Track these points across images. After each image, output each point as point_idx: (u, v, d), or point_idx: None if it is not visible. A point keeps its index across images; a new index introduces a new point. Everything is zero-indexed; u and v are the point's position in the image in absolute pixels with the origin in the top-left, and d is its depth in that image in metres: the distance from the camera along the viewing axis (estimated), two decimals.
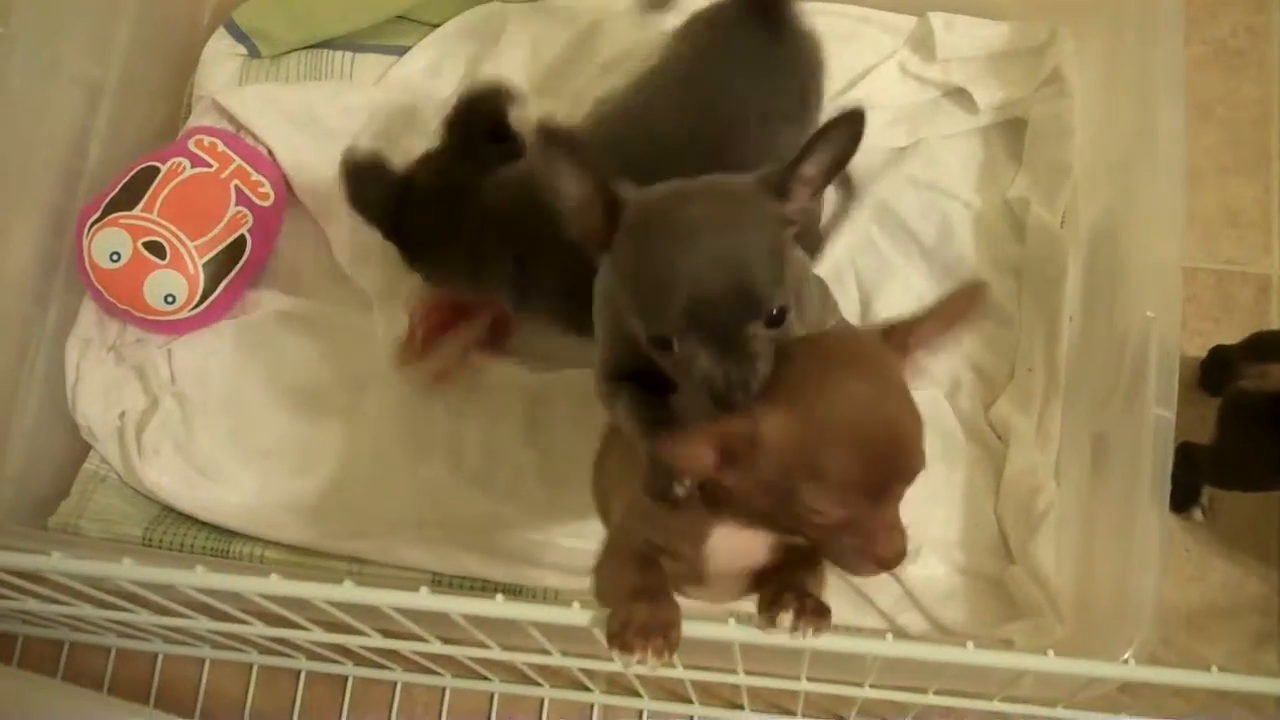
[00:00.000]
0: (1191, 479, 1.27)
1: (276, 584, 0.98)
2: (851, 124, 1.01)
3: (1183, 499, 1.33)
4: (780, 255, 1.01)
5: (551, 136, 1.00)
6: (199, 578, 0.99)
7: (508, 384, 1.69)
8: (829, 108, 1.73)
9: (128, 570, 1.00)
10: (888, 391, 0.96)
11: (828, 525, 0.95)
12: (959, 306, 1.03)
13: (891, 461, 0.94)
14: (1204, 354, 1.63)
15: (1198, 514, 1.61)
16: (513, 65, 1.80)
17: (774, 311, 0.98)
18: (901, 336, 1.00)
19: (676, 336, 0.98)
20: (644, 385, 1.12)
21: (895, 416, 0.95)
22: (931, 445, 1.58)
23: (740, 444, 0.94)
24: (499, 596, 0.97)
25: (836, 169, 1.03)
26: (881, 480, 0.94)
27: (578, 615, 0.96)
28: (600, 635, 0.96)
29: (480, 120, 1.50)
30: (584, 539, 1.60)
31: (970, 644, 0.96)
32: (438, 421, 1.69)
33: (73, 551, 1.03)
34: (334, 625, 1.15)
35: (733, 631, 0.96)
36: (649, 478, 1.05)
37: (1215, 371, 1.58)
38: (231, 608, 1.16)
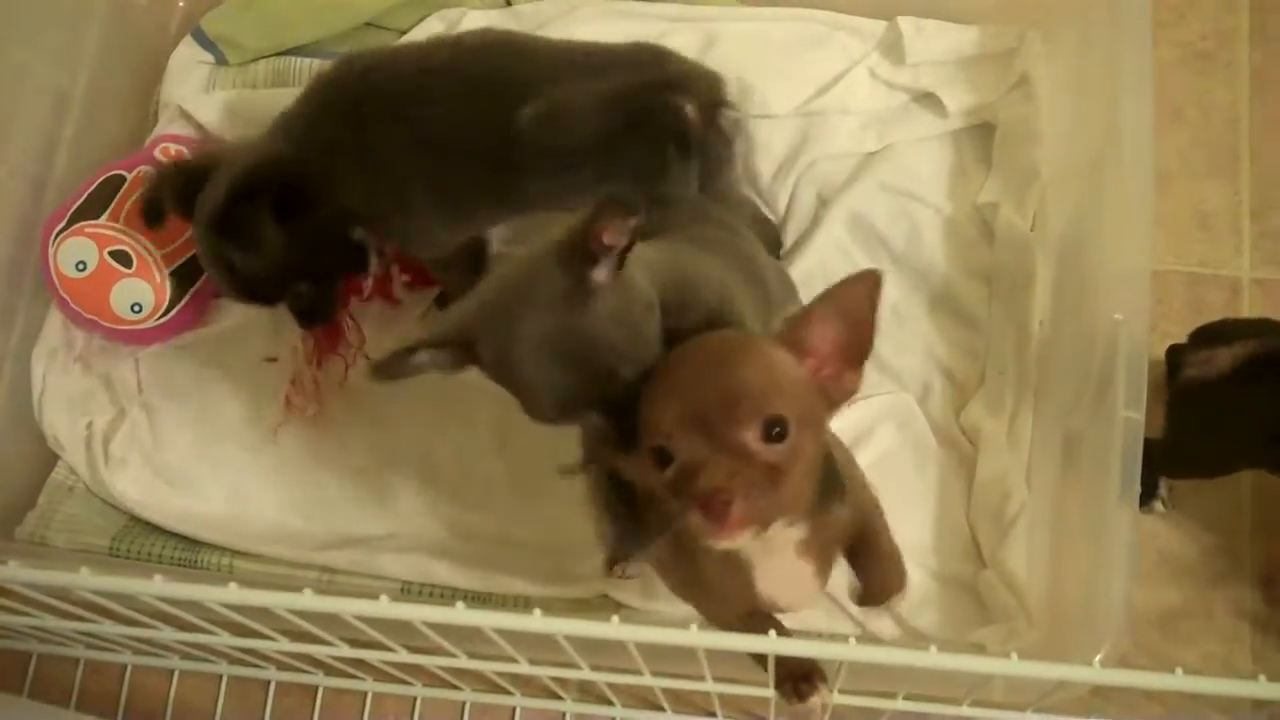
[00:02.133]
0: (1147, 472, 1.28)
1: (235, 593, 0.97)
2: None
3: (1142, 494, 1.34)
4: (624, 324, 1.12)
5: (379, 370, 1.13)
6: (157, 587, 0.97)
7: (477, 391, 1.67)
8: (796, 116, 1.74)
9: (85, 580, 0.99)
10: (730, 356, 1.02)
11: (670, 480, 0.99)
12: (853, 295, 1.05)
13: (713, 401, 0.97)
14: None
15: (1159, 506, 1.62)
16: None
17: None
18: (793, 332, 1.05)
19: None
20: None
21: (726, 368, 1.00)
22: (902, 450, 1.60)
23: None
24: (459, 604, 0.96)
25: None
26: (701, 414, 0.97)
27: (538, 622, 0.95)
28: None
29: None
30: (553, 546, 1.60)
31: (934, 648, 0.95)
32: (408, 431, 1.69)
33: (31, 561, 1.01)
34: (300, 635, 1.14)
35: (696, 637, 0.95)
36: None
37: (1174, 371, 1.59)
38: (196, 618, 1.14)
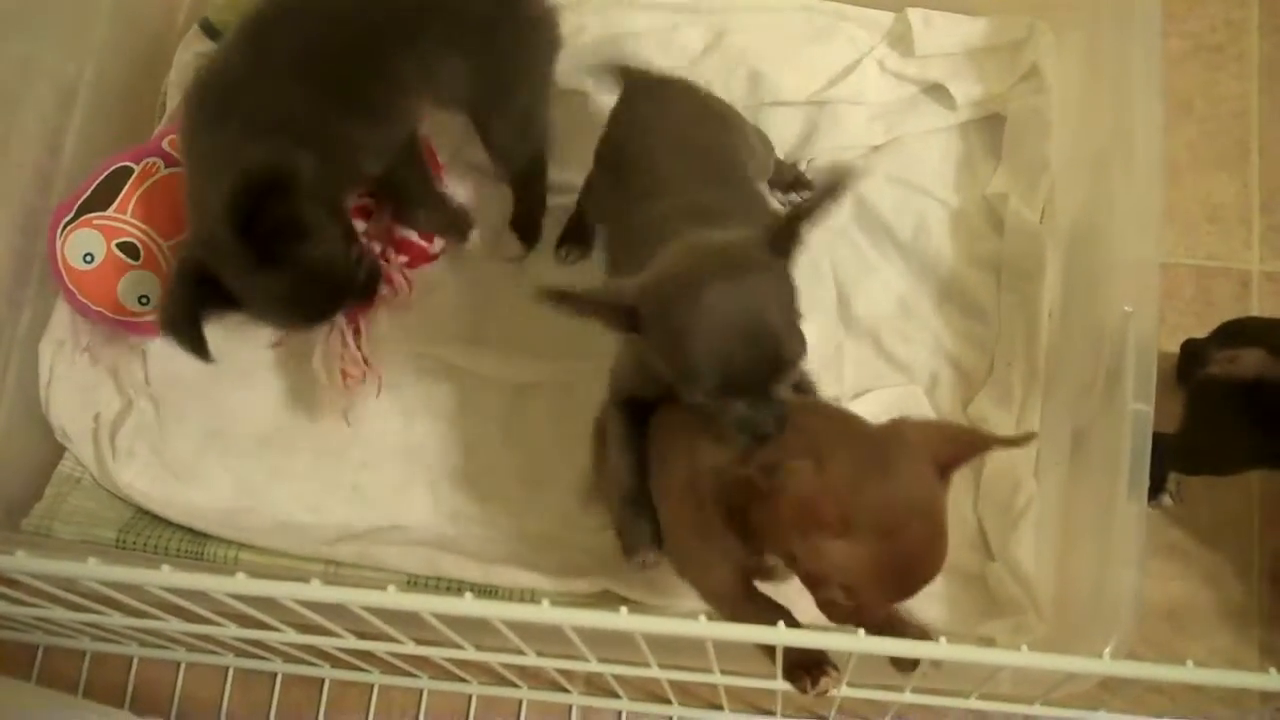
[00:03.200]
0: (1156, 466, 1.28)
1: (243, 583, 0.97)
2: (839, 187, 1.11)
3: (1150, 488, 1.34)
4: (795, 314, 1.13)
5: (551, 295, 1.12)
6: (164, 577, 0.97)
7: (488, 384, 1.68)
8: (806, 105, 1.74)
9: (92, 570, 0.99)
10: (938, 539, 1.05)
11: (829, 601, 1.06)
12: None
13: (914, 587, 1.05)
14: None
15: (1166, 500, 1.62)
16: None
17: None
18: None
19: (712, 401, 1.12)
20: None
21: (936, 554, 1.05)
22: None
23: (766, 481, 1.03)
24: (467, 594, 0.96)
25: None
26: (901, 594, 1.06)
27: (546, 613, 0.95)
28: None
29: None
30: (559, 538, 1.60)
31: (943, 639, 0.95)
32: (418, 424, 1.69)
33: (38, 552, 1.01)
34: (306, 626, 1.14)
35: (704, 628, 0.95)
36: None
37: (1188, 365, 1.58)
38: (203, 609, 1.14)
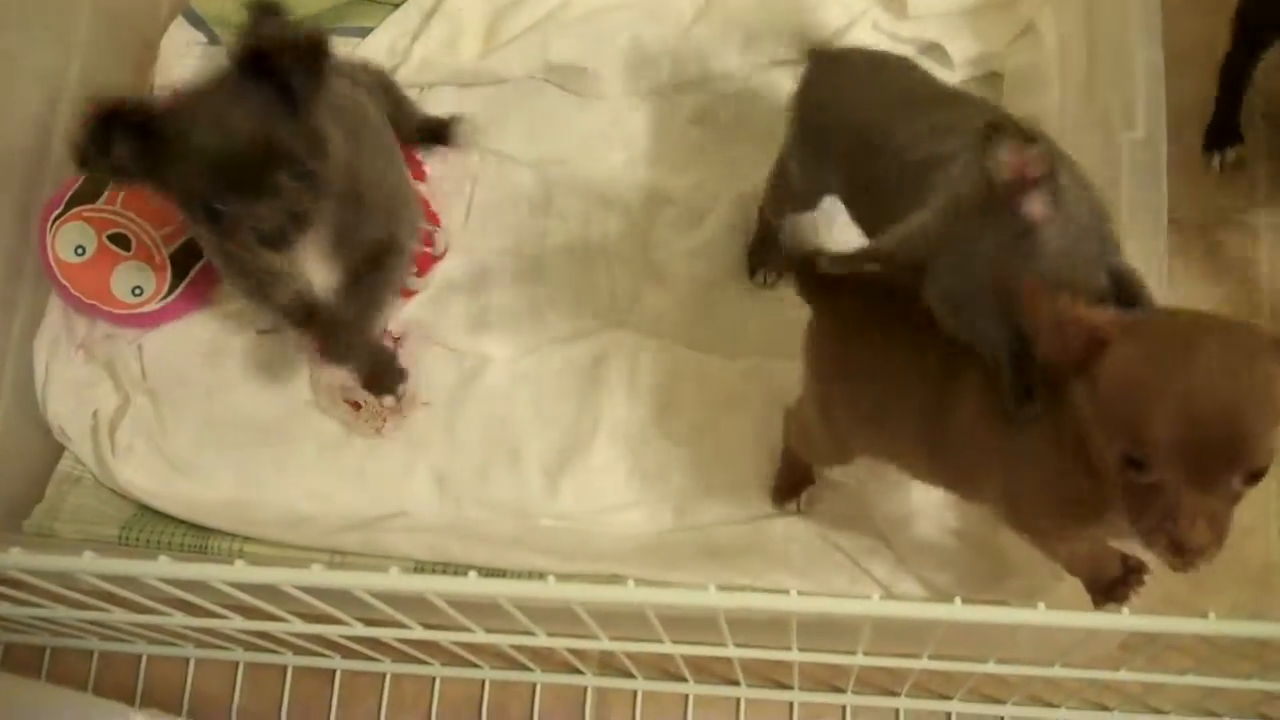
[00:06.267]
0: None
1: (242, 571, 0.95)
2: None
3: None
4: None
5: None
6: (161, 568, 0.96)
7: (488, 364, 1.66)
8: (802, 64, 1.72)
9: (89, 564, 0.97)
10: (1241, 375, 0.91)
11: (1139, 484, 0.93)
12: None
13: (1218, 441, 0.89)
14: None
15: None
16: (472, 39, 1.80)
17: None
18: None
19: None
20: None
21: (1238, 400, 0.90)
22: None
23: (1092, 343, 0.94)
24: (472, 574, 0.94)
25: None
26: (1201, 453, 0.90)
27: (552, 589, 0.93)
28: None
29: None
30: (568, 520, 1.59)
31: (958, 600, 0.93)
32: (430, 410, 1.68)
33: (33, 549, 1.00)
34: (313, 616, 1.12)
35: (712, 598, 0.93)
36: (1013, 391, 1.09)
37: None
38: (207, 601, 1.13)
